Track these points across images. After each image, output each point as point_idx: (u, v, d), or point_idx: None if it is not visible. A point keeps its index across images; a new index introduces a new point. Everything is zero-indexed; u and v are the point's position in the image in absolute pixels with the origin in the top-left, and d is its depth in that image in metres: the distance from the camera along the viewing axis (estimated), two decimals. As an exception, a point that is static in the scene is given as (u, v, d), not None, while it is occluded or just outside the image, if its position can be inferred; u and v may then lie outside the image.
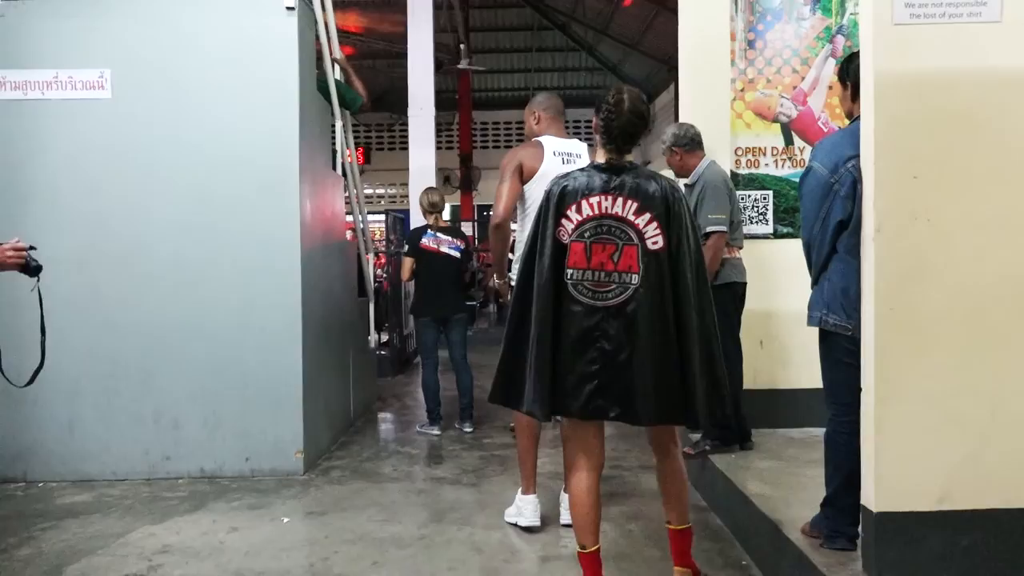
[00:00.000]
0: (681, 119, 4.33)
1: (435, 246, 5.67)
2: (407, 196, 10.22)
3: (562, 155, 3.65)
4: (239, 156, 4.52)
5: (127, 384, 4.49)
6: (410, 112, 9.84)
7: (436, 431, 5.62)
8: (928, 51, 2.43)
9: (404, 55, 10.06)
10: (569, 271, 2.62)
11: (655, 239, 2.61)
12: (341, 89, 5.54)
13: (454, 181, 17.12)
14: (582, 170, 2.72)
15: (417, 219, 7.84)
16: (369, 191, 18.58)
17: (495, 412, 5.86)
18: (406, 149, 10.14)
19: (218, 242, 4.49)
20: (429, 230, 5.73)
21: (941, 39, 2.43)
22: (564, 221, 2.64)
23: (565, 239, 2.63)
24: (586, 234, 2.62)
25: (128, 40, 4.56)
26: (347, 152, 5.81)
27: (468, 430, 5.65)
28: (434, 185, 8.10)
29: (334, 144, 5.62)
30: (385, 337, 8.28)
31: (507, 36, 18.07)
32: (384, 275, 8.97)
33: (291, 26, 4.58)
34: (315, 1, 5.02)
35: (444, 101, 15.53)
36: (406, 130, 10.25)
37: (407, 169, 9.85)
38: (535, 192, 3.51)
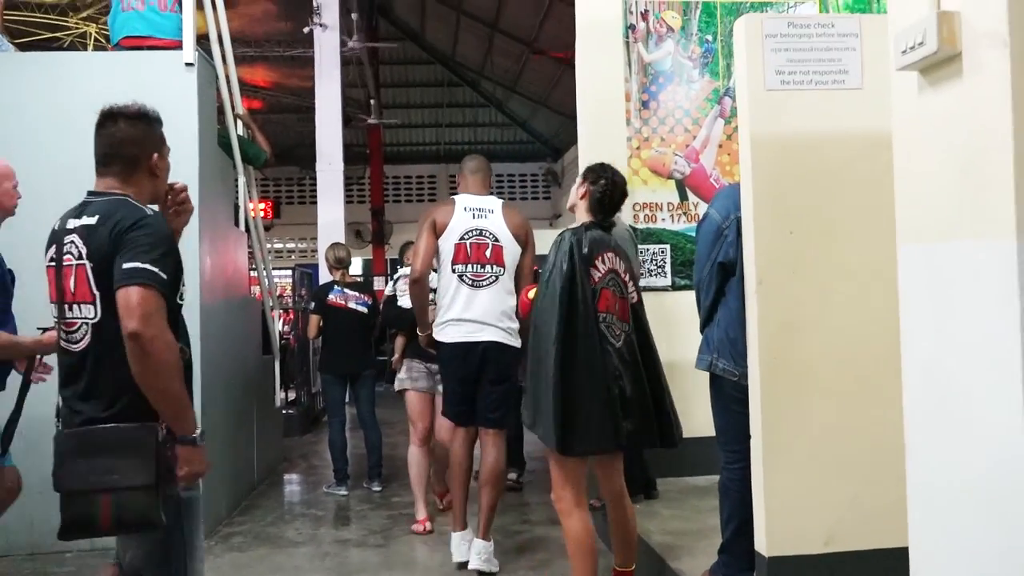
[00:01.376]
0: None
1: (342, 302, 5.62)
2: (316, 251, 10.12)
3: (472, 210, 3.86)
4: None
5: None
6: (318, 166, 9.82)
7: (343, 491, 5.49)
8: (798, 115, 2.60)
9: (313, 110, 10.06)
10: (603, 315, 2.86)
11: (632, 293, 3.01)
12: (244, 144, 5.49)
13: (366, 235, 17.01)
14: (587, 228, 2.98)
15: (326, 274, 7.76)
16: (279, 245, 18.32)
17: (404, 470, 5.77)
18: (315, 203, 10.08)
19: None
20: (336, 286, 5.67)
21: (810, 104, 2.61)
22: (592, 271, 2.89)
23: (593, 287, 2.88)
24: (608, 283, 2.91)
25: (16, 95, 4.41)
26: (251, 206, 5.74)
27: (376, 489, 5.54)
28: (342, 240, 8.05)
29: (237, 199, 5.54)
30: (292, 395, 8.09)
31: (418, 92, 18.28)
32: (291, 331, 8.80)
33: (190, 82, 4.52)
34: (216, 57, 4.99)
35: (355, 155, 15.53)
36: (316, 184, 10.21)
37: (312, 223, 9.78)
38: (446, 246, 3.80)
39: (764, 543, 2.54)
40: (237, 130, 5.48)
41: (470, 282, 3.76)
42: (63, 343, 2.10)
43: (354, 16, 11.53)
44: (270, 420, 6.30)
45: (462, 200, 3.89)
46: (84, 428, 2.01)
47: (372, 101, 14.46)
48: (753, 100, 2.61)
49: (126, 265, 1.96)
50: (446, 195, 19.91)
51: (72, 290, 2.04)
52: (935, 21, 1.54)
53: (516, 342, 3.82)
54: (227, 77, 5.23)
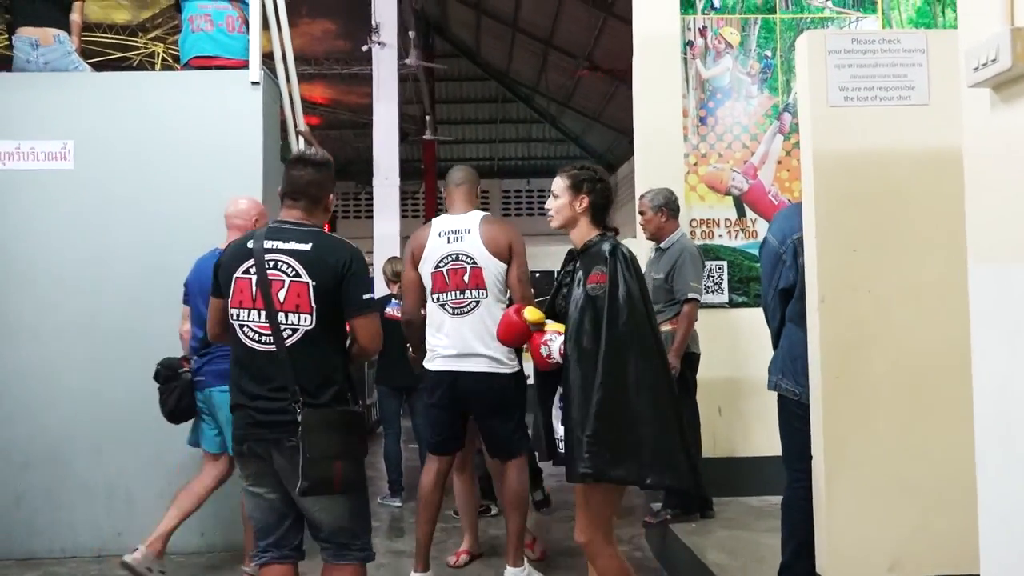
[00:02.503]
0: (638, 192, 4.45)
1: (399, 315, 5.68)
2: (372, 264, 10.26)
3: (447, 234, 3.64)
4: (202, 227, 4.51)
5: (78, 457, 4.39)
6: (375, 181, 9.98)
7: (398, 503, 5.54)
8: (862, 131, 2.57)
9: (370, 126, 10.24)
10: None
11: None
12: (305, 160, 5.61)
13: (420, 249, 17.22)
14: (608, 235, 2.70)
15: (381, 287, 7.86)
16: (334, 259, 18.62)
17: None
18: (372, 218, 10.23)
19: (174, 314, 4.46)
20: (393, 299, 5.75)
21: (874, 120, 2.58)
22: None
23: None
24: None
25: (92, 114, 4.59)
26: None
27: (430, 501, 5.57)
28: (397, 255, 8.15)
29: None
30: (347, 406, 8.19)
31: (472, 108, 18.48)
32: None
33: (256, 100, 4.65)
34: (280, 75, 5.13)
35: (410, 170, 15.73)
36: (372, 199, 10.37)
37: (368, 237, 9.93)
38: (424, 275, 3.66)
39: (825, 566, 2.50)
40: (299, 146, 5.61)
41: (451, 311, 3.57)
42: (251, 343, 2.53)
43: (411, 34, 11.74)
44: (326, 431, 6.38)
45: (438, 223, 3.70)
46: (326, 409, 2.49)
47: (427, 117, 14.66)
48: (816, 116, 2.59)
49: (365, 297, 2.58)
50: (499, 211, 20.06)
51: (282, 301, 2.50)
52: (1008, 37, 1.52)
53: (509, 367, 3.58)
54: (290, 95, 5.36)
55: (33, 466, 4.35)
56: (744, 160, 4.71)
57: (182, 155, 4.59)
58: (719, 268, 4.64)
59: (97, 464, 4.39)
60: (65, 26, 4.79)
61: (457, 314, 3.56)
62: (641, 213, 4.27)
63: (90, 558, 4.29)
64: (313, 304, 2.49)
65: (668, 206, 4.21)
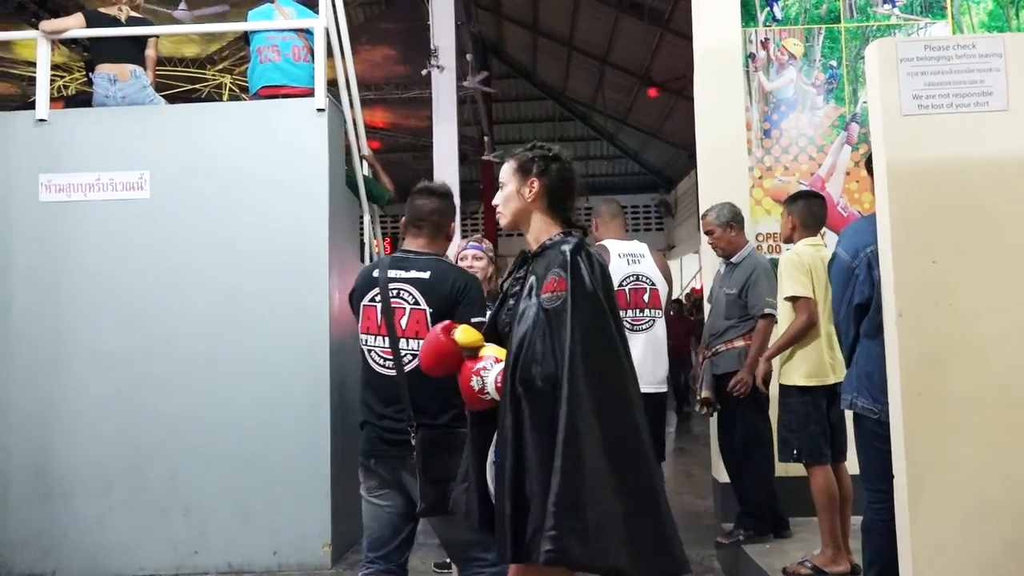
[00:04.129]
0: (702, 207, 4.41)
1: (461, 334, 5.71)
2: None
3: (627, 256, 3.98)
4: (270, 251, 4.64)
5: (156, 477, 4.52)
6: (436, 203, 10.06)
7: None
8: (938, 140, 2.49)
9: (429, 148, 10.37)
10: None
11: None
12: (369, 184, 5.71)
13: (479, 268, 17.35)
14: (571, 235, 2.20)
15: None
16: (396, 280, 18.88)
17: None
18: (431, 239, 10.32)
19: (247, 337, 4.57)
20: (455, 318, 5.78)
21: (950, 128, 2.50)
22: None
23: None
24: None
25: (166, 144, 4.76)
26: (375, 244, 5.95)
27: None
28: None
29: (362, 236, 5.77)
30: (412, 426, 8.25)
31: (530, 127, 18.58)
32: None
33: (321, 127, 4.76)
34: (344, 102, 5.24)
35: (468, 191, 15.88)
36: (432, 220, 10.47)
37: (431, 258, 10.00)
38: None
39: (911, 590, 2.40)
40: (363, 171, 5.72)
41: (630, 326, 3.80)
42: (378, 367, 2.66)
43: (469, 57, 11.87)
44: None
45: (614, 246, 3.93)
46: (443, 431, 2.54)
47: (486, 138, 14.78)
48: (888, 126, 2.53)
49: (475, 321, 2.52)
50: (558, 228, 20.00)
51: (404, 327, 2.61)
52: (1098, 39, 1.46)
53: (664, 386, 3.93)
54: (353, 120, 5.47)
55: (114, 486, 4.49)
56: (811, 172, 4.62)
57: (252, 181, 4.72)
58: (787, 282, 4.54)
59: (174, 485, 4.50)
60: (141, 62, 5.00)
61: (635, 330, 3.82)
62: (709, 232, 4.20)
63: (168, 576, 4.40)
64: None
65: (735, 220, 4.16)
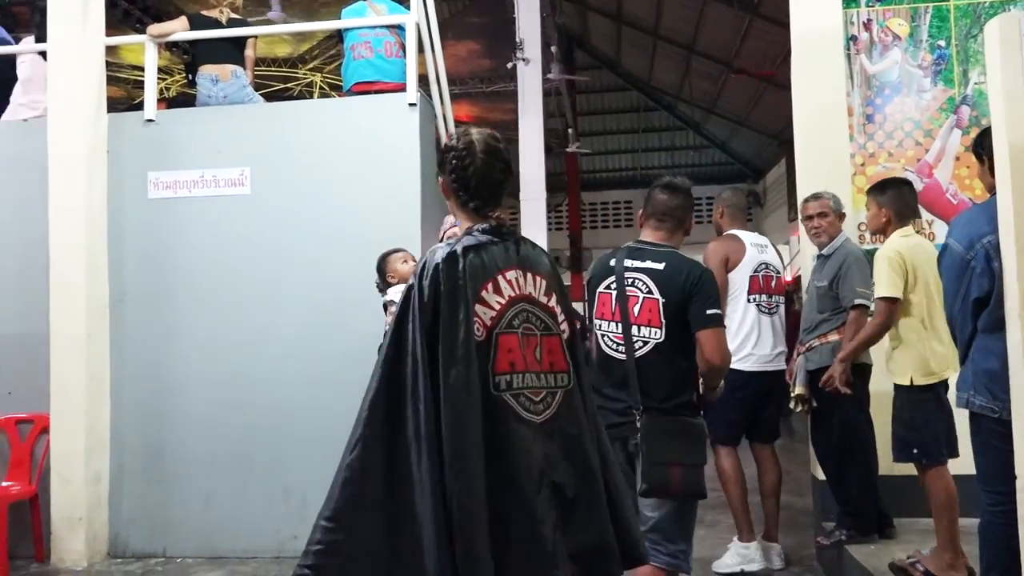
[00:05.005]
0: (800, 196, 4.27)
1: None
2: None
3: (757, 246, 4.21)
4: (364, 244, 4.72)
5: (259, 463, 4.68)
6: (522, 195, 10.08)
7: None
8: (1068, 120, 2.34)
9: (514, 141, 10.39)
10: (504, 377, 1.86)
11: (563, 325, 2.02)
12: (458, 177, 5.75)
13: (563, 262, 17.28)
14: (471, 235, 1.96)
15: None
16: (480, 272, 19.02)
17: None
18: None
19: (344, 326, 4.68)
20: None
21: (1081, 107, 2.34)
22: (479, 308, 1.87)
23: (481, 334, 1.86)
24: (515, 323, 1.92)
25: (265, 141, 4.91)
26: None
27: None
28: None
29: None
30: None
31: (614, 118, 18.42)
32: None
33: (413, 121, 4.83)
34: (435, 96, 5.29)
35: (552, 183, 15.86)
36: (517, 213, 10.50)
37: (519, 251, 10.02)
38: (739, 278, 4.12)
39: (1036, 597, 2.28)
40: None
41: (764, 310, 4.12)
42: (610, 351, 2.78)
43: (553, 49, 11.83)
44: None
45: (746, 237, 4.19)
46: (669, 417, 2.66)
47: (570, 130, 14.72)
48: (1010, 107, 2.38)
49: (709, 311, 2.68)
50: (642, 220, 19.77)
51: (636, 314, 2.72)
52: None
53: (782, 364, 4.19)
54: (443, 115, 5.53)
55: (219, 470, 4.68)
56: (917, 158, 4.41)
57: (346, 176, 4.82)
58: (892, 273, 4.35)
59: (275, 470, 4.66)
60: (241, 62, 5.17)
61: (766, 313, 4.12)
62: (822, 215, 3.99)
63: (269, 559, 4.54)
64: (663, 319, 2.70)
65: (839, 208, 4.03)
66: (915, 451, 3.33)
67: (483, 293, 1.88)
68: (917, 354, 3.36)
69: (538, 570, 1.80)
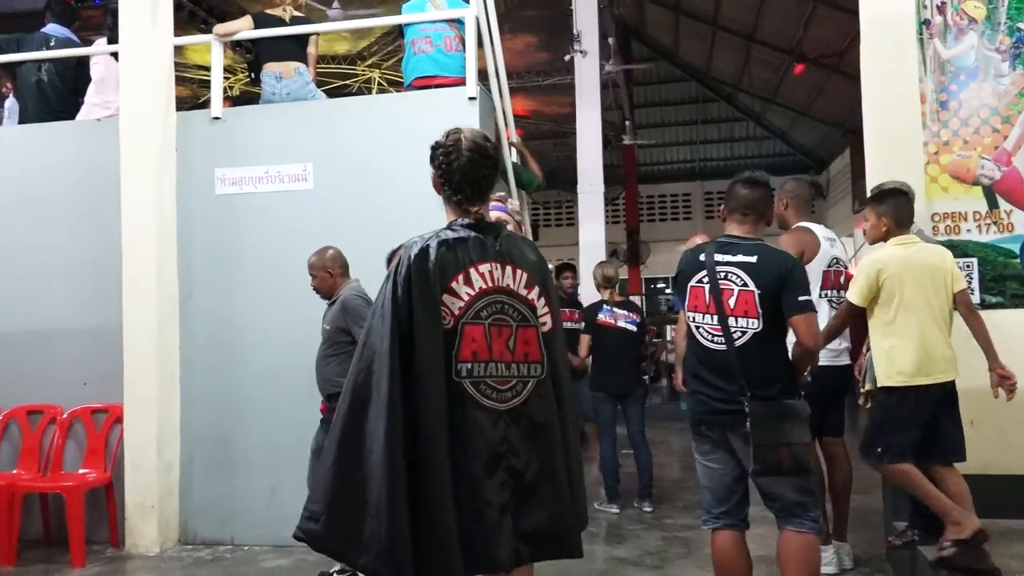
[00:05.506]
0: (869, 186, 4.14)
1: (611, 321, 5.67)
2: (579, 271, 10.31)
3: (829, 240, 4.08)
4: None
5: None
6: (580, 188, 10.03)
7: (615, 509, 5.52)
8: None
9: (569, 134, 10.34)
10: (466, 365, 2.05)
11: (544, 318, 2.19)
12: (518, 170, 5.74)
13: (621, 255, 17.16)
14: (451, 229, 2.17)
15: (586, 294, 7.90)
16: (536, 267, 19.00)
17: (674, 491, 5.70)
18: (572, 225, 10.33)
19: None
20: (605, 305, 5.74)
21: None
22: (447, 298, 2.06)
23: (449, 323, 2.06)
24: (483, 314, 2.09)
25: (327, 137, 4.98)
26: (525, 230, 5.98)
27: (648, 509, 5.50)
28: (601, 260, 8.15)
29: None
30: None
31: (672, 110, 18.18)
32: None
33: (473, 115, 4.82)
34: (494, 89, 5.29)
35: (609, 176, 15.77)
36: (572, 206, 10.48)
37: (572, 244, 9.99)
38: (816, 270, 3.96)
39: None
40: (512, 157, 5.76)
41: (835, 304, 3.98)
42: (707, 343, 2.89)
43: (610, 40, 11.72)
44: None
45: (819, 231, 4.07)
46: (774, 401, 2.79)
47: (627, 122, 14.59)
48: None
49: (801, 298, 2.82)
50: (702, 213, 19.56)
51: (732, 306, 2.84)
52: None
53: (846, 359, 4.09)
54: (503, 108, 5.52)
55: (282, 461, 4.76)
56: (995, 146, 4.24)
57: (406, 170, 4.82)
58: (968, 266, 4.19)
59: (338, 461, 4.71)
60: (303, 59, 5.25)
61: (835, 309, 3.96)
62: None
63: (334, 549, 4.60)
64: (759, 309, 2.83)
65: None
66: (879, 450, 3.40)
67: (453, 284, 2.06)
68: (884, 356, 3.43)
69: (478, 545, 2.00)
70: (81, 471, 4.85)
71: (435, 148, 2.24)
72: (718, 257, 2.92)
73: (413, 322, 2.02)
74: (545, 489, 2.09)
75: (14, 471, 4.91)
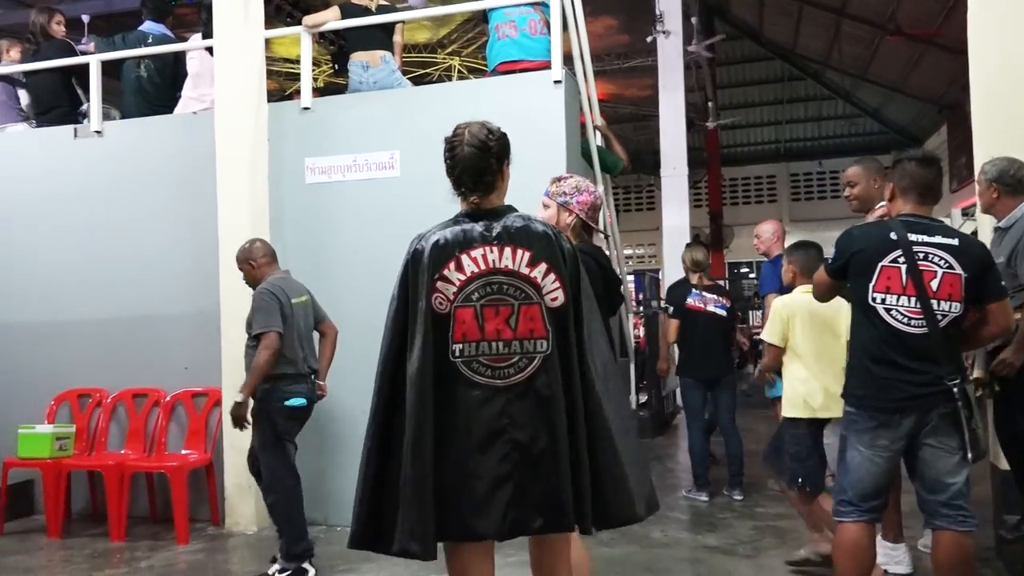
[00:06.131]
0: (978, 162, 3.93)
1: (701, 305, 5.57)
2: (655, 256, 10.18)
3: None
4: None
5: (361, 442, 4.81)
6: (663, 172, 9.89)
7: (704, 497, 5.43)
8: None
9: (650, 118, 10.20)
10: (458, 346, 2.15)
11: (554, 294, 2.20)
12: (603, 154, 5.68)
13: (704, 238, 16.85)
14: (453, 219, 2.31)
15: (671, 278, 7.77)
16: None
17: (764, 479, 5.56)
18: (653, 209, 10.22)
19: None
20: (694, 289, 5.64)
21: None
22: (441, 284, 2.17)
23: (445, 308, 2.17)
24: (474, 296, 2.17)
25: (413, 125, 5.01)
26: (608, 214, 5.92)
27: (738, 498, 5.40)
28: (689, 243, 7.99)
29: (596, 207, 5.75)
30: (643, 397, 8.22)
31: (756, 90, 17.69)
32: (640, 335, 8.95)
33: (558, 98, 4.80)
34: (579, 73, 5.23)
35: (692, 159, 15.48)
36: (652, 190, 10.35)
37: (654, 229, 9.88)
38: None
39: None
40: (596, 141, 5.70)
41: None
42: (900, 325, 2.81)
43: (693, 20, 11.47)
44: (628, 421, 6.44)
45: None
46: (966, 386, 2.77)
47: (710, 104, 14.28)
48: None
49: (1001, 282, 2.86)
50: (787, 195, 19.04)
51: (935, 289, 2.79)
52: None
53: None
54: (587, 93, 5.45)
55: (330, 447, 4.90)
56: (1120, 117, 3.96)
57: (493, 156, 4.84)
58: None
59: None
60: (389, 48, 5.30)
61: None
62: (977, 183, 3.76)
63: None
64: (963, 293, 2.79)
65: (1001, 180, 3.64)
66: (799, 480, 3.70)
67: (445, 271, 2.17)
68: (793, 391, 3.81)
69: (454, 513, 2.09)
70: (184, 452, 5.05)
71: (444, 142, 2.35)
72: (912, 237, 2.83)
73: (411, 314, 2.20)
74: (547, 462, 2.13)
75: (122, 451, 5.16)
